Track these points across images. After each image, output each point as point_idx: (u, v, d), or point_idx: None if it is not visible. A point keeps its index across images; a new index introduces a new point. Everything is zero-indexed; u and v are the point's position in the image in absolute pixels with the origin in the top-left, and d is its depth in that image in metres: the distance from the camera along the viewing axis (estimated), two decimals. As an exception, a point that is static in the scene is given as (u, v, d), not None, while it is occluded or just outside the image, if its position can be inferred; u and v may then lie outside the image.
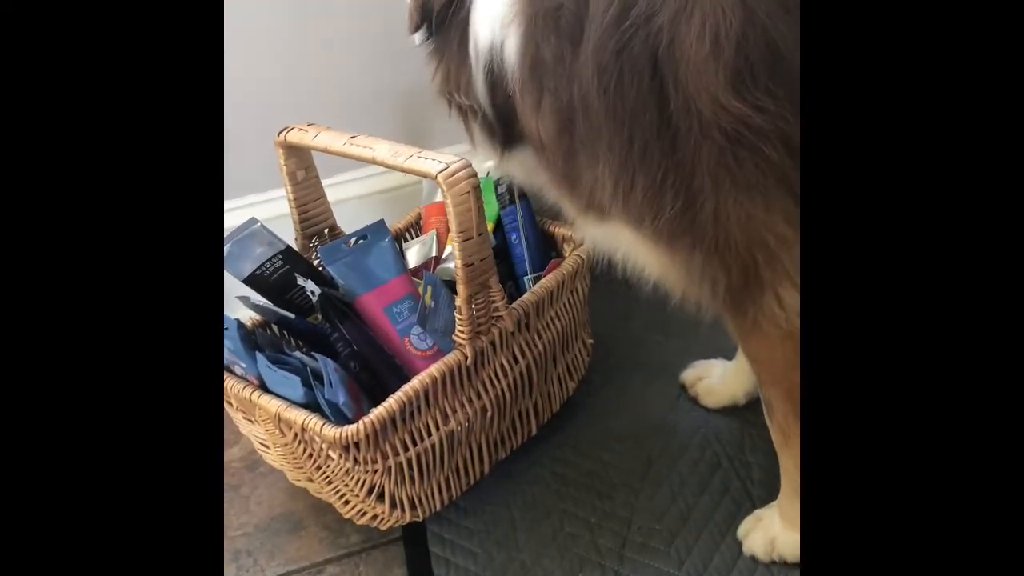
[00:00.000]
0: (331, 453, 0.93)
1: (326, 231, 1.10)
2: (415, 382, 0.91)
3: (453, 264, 0.92)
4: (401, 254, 1.12)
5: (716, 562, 0.92)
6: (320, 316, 1.02)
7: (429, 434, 0.94)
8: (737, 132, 0.68)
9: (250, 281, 1.02)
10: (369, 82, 1.29)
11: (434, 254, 1.13)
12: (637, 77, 0.69)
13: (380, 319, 1.01)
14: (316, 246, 1.09)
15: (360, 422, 0.88)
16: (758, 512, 0.95)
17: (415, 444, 0.94)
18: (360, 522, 0.99)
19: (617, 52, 0.69)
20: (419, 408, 0.92)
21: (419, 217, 1.21)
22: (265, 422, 0.96)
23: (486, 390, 0.98)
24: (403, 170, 0.90)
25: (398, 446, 0.92)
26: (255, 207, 1.25)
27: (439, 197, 1.15)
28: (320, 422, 0.89)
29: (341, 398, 0.90)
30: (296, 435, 0.93)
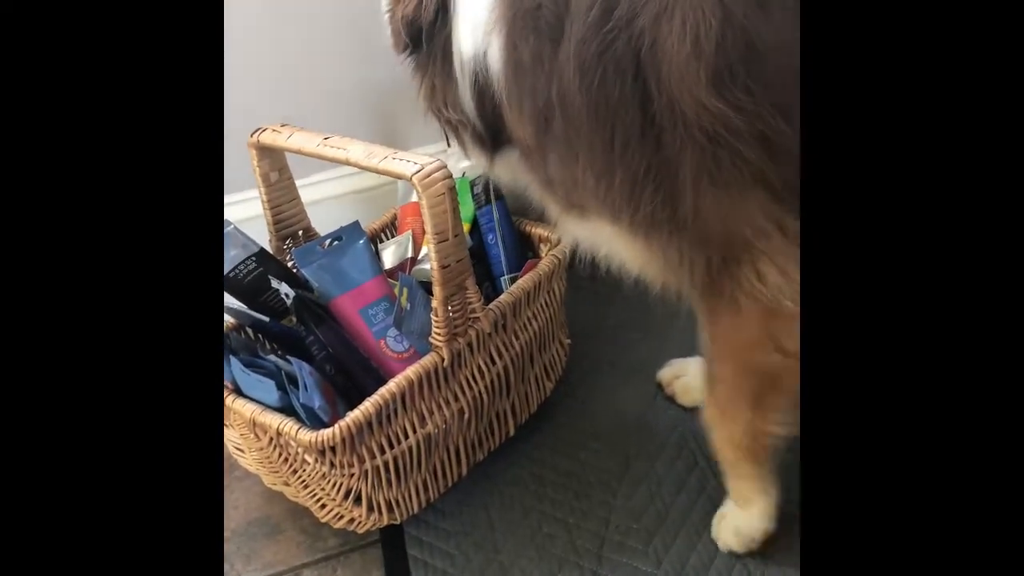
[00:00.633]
0: (307, 457, 0.92)
1: (300, 233, 1.10)
2: (391, 385, 0.91)
3: (429, 265, 0.91)
4: (377, 255, 1.12)
5: (694, 561, 0.92)
6: (295, 319, 1.01)
7: (406, 437, 0.94)
8: (717, 132, 0.69)
9: (224, 284, 1.01)
10: (345, 82, 1.28)
11: (410, 255, 1.12)
12: (620, 77, 0.70)
13: (356, 321, 1.00)
14: (290, 248, 1.08)
15: (336, 426, 0.87)
16: (721, 510, 0.96)
17: (392, 447, 0.93)
18: (337, 526, 0.99)
19: (600, 53, 0.70)
20: (396, 411, 0.92)
21: (395, 218, 1.21)
22: (240, 426, 0.95)
23: (463, 392, 0.98)
24: (378, 171, 0.90)
25: (375, 449, 0.92)
26: (228, 208, 1.23)
27: (415, 197, 1.15)
28: (295, 426, 0.88)
29: (316, 402, 0.89)
30: (271, 439, 0.93)
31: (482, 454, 1.05)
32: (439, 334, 0.93)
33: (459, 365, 0.96)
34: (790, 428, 0.86)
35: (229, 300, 1.01)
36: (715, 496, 0.99)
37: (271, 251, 1.06)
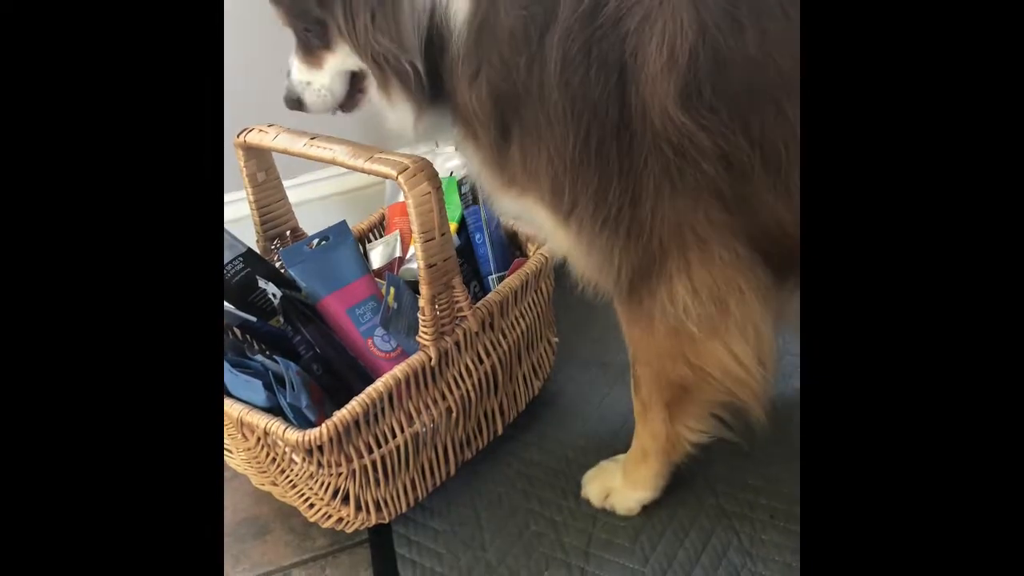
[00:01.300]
0: (294, 457, 0.92)
1: (288, 233, 1.10)
2: (379, 384, 0.91)
3: (416, 265, 0.92)
4: (364, 255, 1.12)
5: (680, 557, 0.93)
6: (282, 319, 1.01)
7: (394, 436, 0.94)
8: (681, 145, 0.71)
9: (211, 284, 1.01)
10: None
11: (398, 255, 1.12)
12: (604, 76, 0.70)
13: (343, 321, 1.01)
14: (278, 248, 1.09)
15: (323, 425, 0.87)
16: (603, 464, 1.01)
17: (380, 446, 0.93)
18: (325, 525, 0.99)
19: (586, 49, 0.70)
20: (383, 410, 0.92)
21: (383, 218, 1.21)
22: (228, 427, 0.95)
23: (451, 391, 0.98)
24: (363, 171, 0.90)
25: (362, 449, 0.92)
26: (216, 209, 1.24)
27: (403, 198, 1.15)
28: (283, 426, 0.88)
29: (304, 401, 0.89)
30: (259, 439, 0.92)
31: (470, 453, 1.05)
32: (426, 333, 0.93)
33: (446, 364, 0.97)
34: (703, 436, 0.92)
35: (216, 300, 1.01)
36: (701, 493, 0.99)
37: (258, 251, 1.06)
